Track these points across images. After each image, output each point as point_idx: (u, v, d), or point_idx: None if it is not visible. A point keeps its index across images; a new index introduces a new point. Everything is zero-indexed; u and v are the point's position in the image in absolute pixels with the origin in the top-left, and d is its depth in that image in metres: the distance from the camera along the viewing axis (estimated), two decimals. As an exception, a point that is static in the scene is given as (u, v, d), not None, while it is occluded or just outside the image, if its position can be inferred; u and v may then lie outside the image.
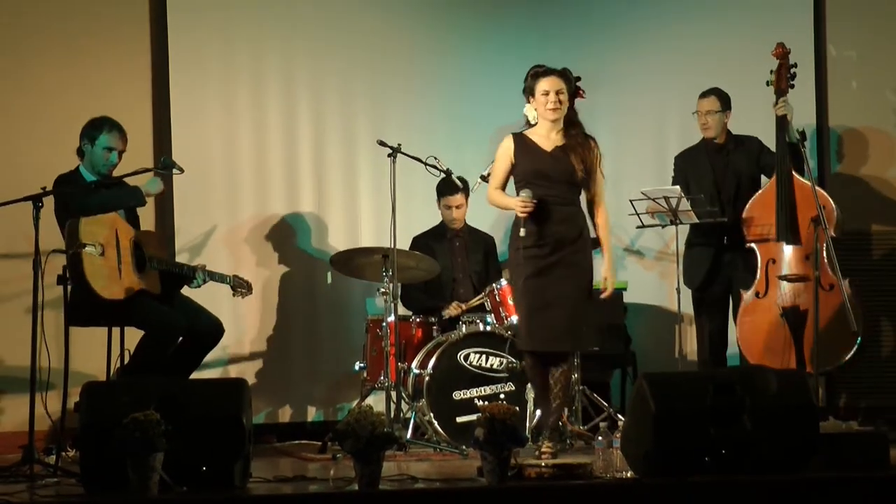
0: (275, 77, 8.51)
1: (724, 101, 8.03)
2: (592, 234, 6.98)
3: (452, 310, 7.92)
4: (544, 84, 6.78)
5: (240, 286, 7.54)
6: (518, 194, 6.77)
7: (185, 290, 7.42)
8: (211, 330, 7.30)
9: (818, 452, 5.73)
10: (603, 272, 6.92)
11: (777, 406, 5.68)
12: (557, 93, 6.77)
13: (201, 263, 7.45)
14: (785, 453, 5.65)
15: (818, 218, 7.41)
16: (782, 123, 7.72)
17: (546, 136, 6.85)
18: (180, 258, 8.03)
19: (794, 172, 7.70)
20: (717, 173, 7.92)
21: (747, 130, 8.16)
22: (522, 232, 6.70)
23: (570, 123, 6.85)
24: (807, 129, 8.02)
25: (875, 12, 8.92)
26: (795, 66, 7.85)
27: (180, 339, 7.16)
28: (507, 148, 6.89)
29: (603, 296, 6.95)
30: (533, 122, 6.89)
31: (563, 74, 6.81)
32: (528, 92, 6.85)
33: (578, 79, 6.90)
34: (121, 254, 7.00)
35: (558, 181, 6.78)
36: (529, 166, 6.80)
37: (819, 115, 8.89)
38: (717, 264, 7.94)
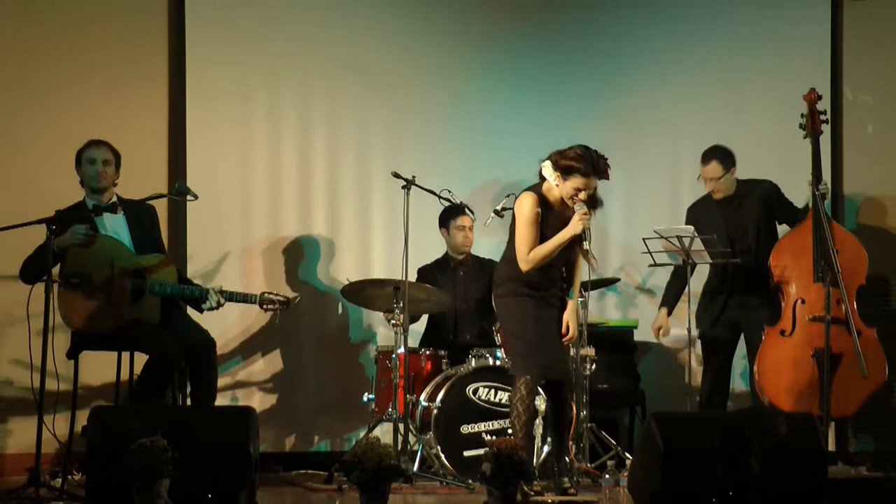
0: (290, 107, 8.53)
1: (727, 162, 7.95)
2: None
3: None
4: (579, 183, 6.61)
5: (269, 303, 7.25)
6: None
7: (206, 326, 7.32)
8: (200, 348, 7.13)
9: (827, 498, 5.70)
10: (565, 316, 6.84)
11: (786, 449, 5.65)
12: (588, 191, 6.66)
13: (217, 285, 7.26)
14: (793, 497, 5.62)
15: (832, 262, 7.39)
16: (820, 200, 7.68)
17: (561, 202, 6.75)
18: (193, 284, 8.03)
19: (833, 221, 7.68)
20: (730, 226, 7.88)
21: (760, 170, 8.15)
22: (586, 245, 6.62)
23: (588, 203, 6.73)
24: (823, 171, 7.98)
25: (891, 57, 8.93)
26: (825, 112, 7.85)
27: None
28: (535, 206, 6.72)
29: (565, 339, 6.86)
30: (547, 179, 6.77)
31: (602, 172, 6.62)
32: (562, 172, 6.62)
33: (606, 161, 6.69)
34: (112, 285, 6.94)
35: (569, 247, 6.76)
36: (550, 232, 6.73)
37: (834, 159, 8.88)
38: (724, 308, 7.94)
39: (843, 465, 7.35)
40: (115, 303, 6.93)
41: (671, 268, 8.11)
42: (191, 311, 7.34)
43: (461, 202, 7.71)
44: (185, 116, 8.38)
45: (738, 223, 7.89)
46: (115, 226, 7.14)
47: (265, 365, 8.45)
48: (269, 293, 7.31)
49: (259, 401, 8.35)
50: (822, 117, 7.84)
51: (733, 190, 7.99)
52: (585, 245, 6.60)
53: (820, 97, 7.85)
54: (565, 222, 6.68)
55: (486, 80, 8.75)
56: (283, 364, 8.48)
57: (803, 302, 7.67)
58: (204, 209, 7.96)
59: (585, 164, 6.57)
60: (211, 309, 7.17)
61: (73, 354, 7.02)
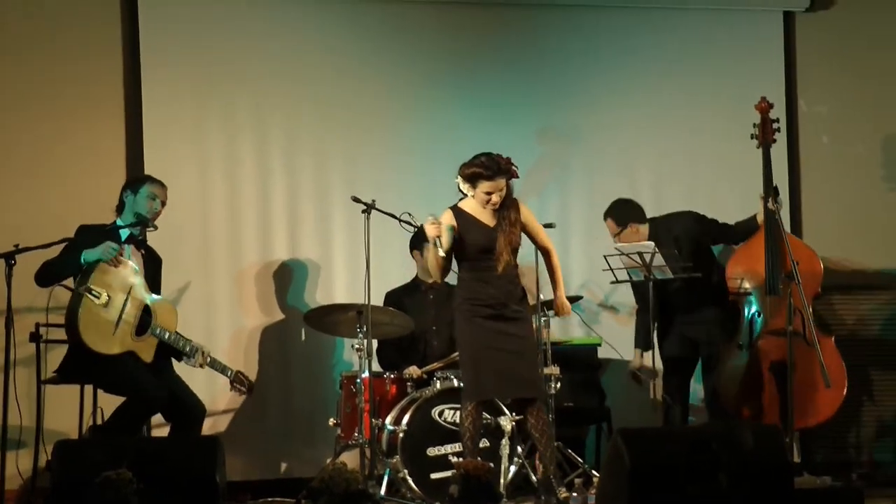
0: (248, 135, 8.52)
1: (620, 219, 8.04)
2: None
3: (412, 372, 7.89)
4: (487, 187, 6.87)
5: (239, 382, 7.51)
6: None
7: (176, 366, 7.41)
8: (193, 411, 7.28)
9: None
10: (556, 301, 7.12)
11: (752, 463, 5.66)
12: (500, 191, 6.89)
13: (206, 348, 7.39)
14: (760, 509, 5.64)
15: (792, 273, 7.43)
16: (771, 217, 7.73)
17: (482, 211, 6.96)
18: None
19: (784, 232, 7.72)
20: (663, 253, 7.89)
21: (718, 185, 8.23)
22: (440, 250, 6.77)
23: (501, 206, 6.94)
24: (779, 183, 8.04)
25: (845, 68, 9.01)
26: (777, 121, 7.92)
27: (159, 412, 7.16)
28: (446, 221, 6.94)
29: (554, 314, 7.16)
30: (466, 194, 6.99)
31: (506, 172, 6.87)
32: (469, 181, 6.91)
33: (509, 161, 6.92)
34: (125, 312, 7.01)
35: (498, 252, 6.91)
36: (472, 242, 6.91)
37: (791, 169, 8.94)
38: (678, 325, 7.98)
39: (809, 475, 7.37)
40: (122, 330, 7.00)
41: (634, 292, 8.15)
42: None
43: (422, 225, 7.70)
44: (142, 145, 8.35)
45: (662, 252, 7.87)
46: (136, 260, 7.27)
47: (229, 393, 8.39)
48: (243, 375, 7.52)
49: (225, 429, 8.30)
50: (776, 125, 7.90)
51: (645, 238, 8.03)
52: (440, 252, 6.79)
53: (771, 106, 7.91)
54: (487, 230, 6.88)
55: (445, 101, 8.76)
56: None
57: (759, 314, 7.70)
58: (163, 239, 7.90)
59: (487, 167, 6.85)
60: (191, 365, 7.35)
61: (63, 376, 7.02)
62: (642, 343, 8.11)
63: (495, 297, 6.89)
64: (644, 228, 8.07)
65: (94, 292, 6.88)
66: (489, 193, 6.87)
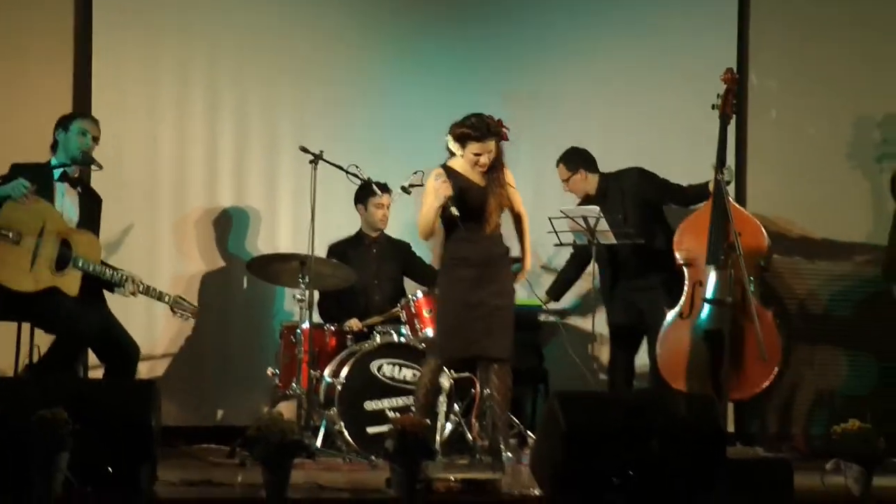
0: (198, 81, 8.48)
1: (570, 164, 8.11)
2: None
3: (352, 325, 7.90)
4: (476, 148, 6.87)
5: (180, 308, 7.37)
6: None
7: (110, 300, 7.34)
8: (127, 351, 7.21)
9: (724, 477, 5.78)
10: (524, 264, 7.14)
11: (685, 430, 5.72)
12: (489, 152, 6.87)
13: (137, 276, 7.27)
14: (692, 477, 5.68)
15: (734, 245, 7.47)
16: (721, 185, 7.77)
17: (471, 171, 6.95)
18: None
19: (730, 202, 7.75)
20: (608, 219, 7.90)
21: (666, 157, 8.27)
22: (454, 210, 6.77)
23: (491, 167, 6.93)
24: (727, 157, 8.06)
25: (796, 44, 9.02)
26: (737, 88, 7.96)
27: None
28: (435, 179, 6.91)
29: (518, 279, 7.13)
30: (455, 153, 6.96)
31: (496, 134, 6.87)
32: (459, 141, 6.90)
33: (500, 123, 6.93)
34: (40, 246, 6.92)
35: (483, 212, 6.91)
36: (469, 201, 6.89)
37: (739, 142, 8.97)
38: (623, 291, 8.03)
39: (741, 445, 7.45)
40: (39, 266, 6.91)
41: (574, 255, 8.20)
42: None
43: (368, 178, 7.71)
44: (90, 86, 8.30)
45: (608, 216, 7.86)
46: (71, 199, 7.19)
47: (168, 338, 8.39)
48: (183, 299, 7.38)
49: (162, 374, 8.28)
50: (734, 102, 7.92)
51: (593, 189, 8.07)
52: (452, 211, 6.78)
53: (737, 78, 7.90)
54: (477, 190, 6.85)
55: (394, 55, 8.74)
56: (187, 337, 8.42)
57: (701, 284, 7.75)
58: (108, 180, 7.85)
59: (476, 129, 6.85)
60: (123, 295, 7.23)
61: None
62: (553, 293, 8.20)
63: (479, 257, 6.89)
64: (593, 178, 8.11)
65: (2, 231, 6.81)
66: (478, 154, 6.86)
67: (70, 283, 7.02)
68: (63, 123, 7.25)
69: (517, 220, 7.16)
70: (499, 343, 6.91)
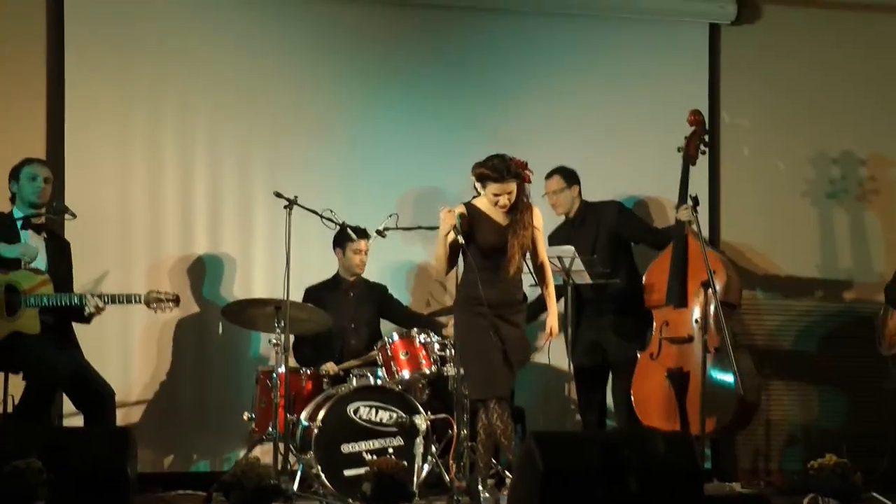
0: (171, 125, 8.46)
1: (569, 178, 8.17)
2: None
3: (329, 369, 7.89)
4: (495, 189, 6.88)
5: (157, 301, 7.35)
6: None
7: (84, 338, 7.35)
8: (101, 393, 7.21)
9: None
10: (548, 321, 7.04)
11: (663, 468, 5.72)
12: (509, 193, 6.89)
13: (95, 291, 7.28)
14: (669, 515, 5.69)
15: (708, 282, 7.50)
16: (681, 227, 7.82)
17: (495, 210, 6.97)
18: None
19: (691, 239, 7.79)
20: (575, 245, 7.91)
21: (640, 193, 8.30)
22: (460, 239, 6.80)
23: (514, 208, 6.94)
24: (700, 194, 8.11)
25: (767, 83, 9.12)
26: (706, 139, 7.99)
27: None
28: (451, 218, 6.91)
29: (544, 341, 7.11)
30: (480, 192, 6.99)
31: (516, 176, 6.88)
32: (479, 181, 6.91)
33: (525, 167, 6.94)
34: None
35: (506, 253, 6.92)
36: (482, 239, 6.92)
37: (712, 180, 9.03)
38: (585, 332, 8.05)
39: (718, 482, 7.46)
40: None
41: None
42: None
43: (343, 222, 7.71)
44: (63, 134, 8.28)
45: (580, 243, 7.93)
46: (36, 244, 7.22)
47: (145, 383, 8.36)
48: (157, 291, 7.37)
49: (137, 420, 8.25)
50: (702, 146, 7.97)
51: (575, 210, 8.12)
52: (459, 239, 6.81)
53: (701, 121, 7.96)
54: (498, 229, 6.90)
55: (367, 100, 8.74)
56: (164, 383, 8.39)
57: (667, 324, 7.79)
58: (82, 228, 7.84)
59: (496, 170, 6.85)
60: (91, 315, 7.21)
61: None
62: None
63: (496, 300, 6.88)
64: (578, 200, 8.20)
65: None
66: (497, 195, 6.87)
67: (28, 322, 7.03)
68: (13, 174, 7.31)
69: (540, 271, 7.13)
70: (507, 383, 6.98)
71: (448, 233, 6.85)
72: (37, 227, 7.26)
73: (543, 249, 7.11)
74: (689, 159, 7.94)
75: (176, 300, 7.42)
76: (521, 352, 7.04)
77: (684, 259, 7.76)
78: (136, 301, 7.32)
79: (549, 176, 8.20)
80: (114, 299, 7.25)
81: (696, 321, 7.64)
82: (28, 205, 7.26)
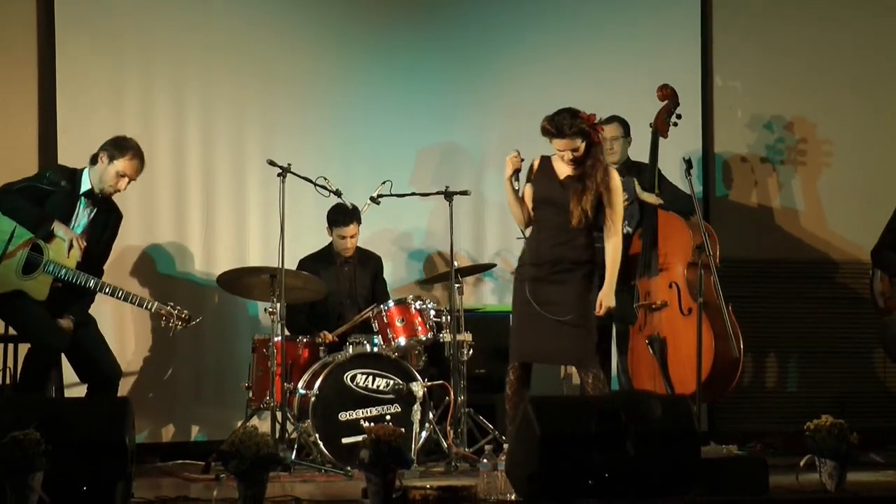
0: (163, 93, 8.44)
1: (626, 128, 8.12)
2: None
3: (325, 336, 7.89)
4: (557, 144, 6.80)
5: (168, 315, 7.28)
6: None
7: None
8: (107, 373, 7.23)
9: (699, 477, 5.80)
10: (601, 294, 6.89)
11: (660, 431, 5.74)
12: (573, 150, 6.77)
13: (114, 285, 7.27)
14: (667, 478, 5.70)
15: (703, 245, 7.50)
16: (650, 208, 7.84)
17: (564, 166, 6.87)
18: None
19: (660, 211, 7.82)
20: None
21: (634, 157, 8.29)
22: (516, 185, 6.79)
23: (581, 161, 6.80)
24: (693, 156, 8.12)
25: (759, 46, 9.13)
26: (678, 105, 7.96)
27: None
28: (531, 168, 6.94)
29: (597, 312, 6.91)
30: None
31: (579, 133, 6.74)
32: (544, 136, 6.81)
33: (590, 120, 6.81)
34: (8, 249, 6.93)
35: (564, 209, 6.79)
36: (537, 191, 6.88)
37: (705, 142, 9.04)
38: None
39: (715, 444, 7.47)
40: (6, 267, 6.95)
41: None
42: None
43: (337, 189, 7.69)
44: (55, 107, 8.24)
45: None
46: (87, 211, 7.26)
47: (141, 354, 8.36)
48: (172, 307, 7.31)
49: (135, 390, 8.25)
50: (674, 118, 7.94)
51: (624, 159, 8.08)
52: (514, 184, 6.79)
53: (671, 95, 7.93)
54: (554, 182, 6.82)
55: (362, 67, 8.73)
56: (160, 354, 8.39)
57: (648, 294, 7.81)
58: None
59: (552, 124, 6.77)
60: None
61: None
62: None
63: (548, 256, 6.78)
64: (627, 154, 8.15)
65: None
66: (561, 151, 6.78)
67: (37, 287, 7.04)
68: (111, 152, 7.20)
69: (606, 237, 6.89)
70: (567, 351, 6.83)
71: (510, 177, 6.80)
72: (100, 201, 7.26)
73: (614, 214, 6.81)
74: (658, 133, 7.94)
75: (187, 320, 7.32)
76: (563, 311, 6.75)
77: (654, 228, 7.77)
78: (147, 308, 7.29)
79: (607, 121, 7.98)
80: (127, 297, 7.24)
81: (671, 286, 7.67)
82: (98, 189, 7.22)
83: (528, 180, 6.91)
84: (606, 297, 6.86)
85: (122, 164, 7.22)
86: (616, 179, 6.84)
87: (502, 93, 8.77)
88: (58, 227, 7.05)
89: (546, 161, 6.92)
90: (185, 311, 7.33)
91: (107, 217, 7.36)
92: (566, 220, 6.75)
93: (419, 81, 8.75)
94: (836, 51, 9.19)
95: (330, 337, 7.88)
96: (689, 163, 7.73)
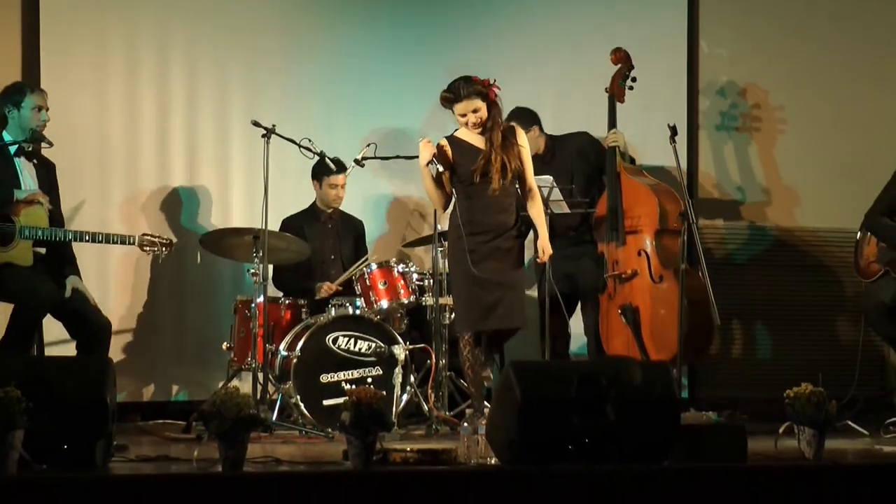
0: (148, 54, 8.41)
1: (524, 121, 7.91)
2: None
3: (325, 291, 7.90)
4: (459, 108, 6.84)
5: (150, 244, 7.32)
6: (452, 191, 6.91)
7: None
8: (96, 329, 7.18)
9: (679, 443, 5.82)
10: (539, 243, 6.98)
11: (640, 397, 5.75)
12: (474, 111, 6.82)
13: (89, 230, 7.27)
14: (647, 444, 5.72)
15: (685, 212, 7.50)
16: (612, 154, 7.85)
17: (475, 137, 6.91)
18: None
19: (623, 174, 7.82)
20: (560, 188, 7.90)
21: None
22: (434, 171, 6.79)
23: (489, 129, 6.87)
24: (678, 123, 8.10)
25: (745, 13, 9.13)
26: (633, 68, 7.97)
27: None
28: (430, 148, 6.87)
29: (540, 260, 7.04)
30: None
31: (476, 94, 6.82)
32: (446, 107, 6.90)
33: (485, 83, 6.88)
34: None
35: (488, 174, 6.83)
36: (461, 164, 6.85)
37: (690, 110, 9.03)
38: (561, 264, 8.03)
39: (695, 411, 7.51)
40: None
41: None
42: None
43: (321, 151, 7.68)
44: (39, 62, 8.22)
45: (555, 176, 7.83)
46: (29, 172, 7.20)
47: (123, 314, 8.35)
48: (150, 235, 7.35)
49: (117, 350, 8.23)
50: (630, 82, 7.94)
51: (542, 147, 8.09)
52: (439, 168, 6.80)
53: (624, 59, 7.94)
54: (475, 152, 6.84)
55: (346, 29, 8.71)
56: (142, 313, 8.40)
57: (617, 263, 7.83)
58: (59, 157, 7.78)
59: (450, 90, 6.85)
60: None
61: None
62: None
63: (484, 225, 6.83)
64: (541, 138, 8.14)
65: None
66: (463, 115, 6.83)
67: (21, 254, 7.01)
68: (13, 99, 7.19)
69: (528, 195, 7.02)
70: (513, 314, 6.89)
71: (428, 164, 6.81)
72: (28, 154, 7.21)
73: (530, 169, 6.97)
74: (615, 98, 7.94)
75: (169, 244, 7.37)
76: (505, 276, 6.87)
77: (618, 194, 7.79)
78: (129, 242, 7.28)
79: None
80: (108, 238, 7.23)
81: (639, 254, 7.69)
82: (25, 135, 7.17)
83: (447, 161, 6.87)
84: (546, 245, 6.98)
85: (30, 101, 7.19)
86: (523, 136, 6.98)
87: (485, 56, 8.70)
88: (17, 193, 7.03)
89: (454, 139, 6.94)
90: (166, 237, 7.40)
91: (46, 172, 7.32)
92: (493, 186, 6.80)
93: (404, 44, 8.73)
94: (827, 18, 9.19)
95: (334, 287, 7.87)
96: (674, 129, 7.72)
